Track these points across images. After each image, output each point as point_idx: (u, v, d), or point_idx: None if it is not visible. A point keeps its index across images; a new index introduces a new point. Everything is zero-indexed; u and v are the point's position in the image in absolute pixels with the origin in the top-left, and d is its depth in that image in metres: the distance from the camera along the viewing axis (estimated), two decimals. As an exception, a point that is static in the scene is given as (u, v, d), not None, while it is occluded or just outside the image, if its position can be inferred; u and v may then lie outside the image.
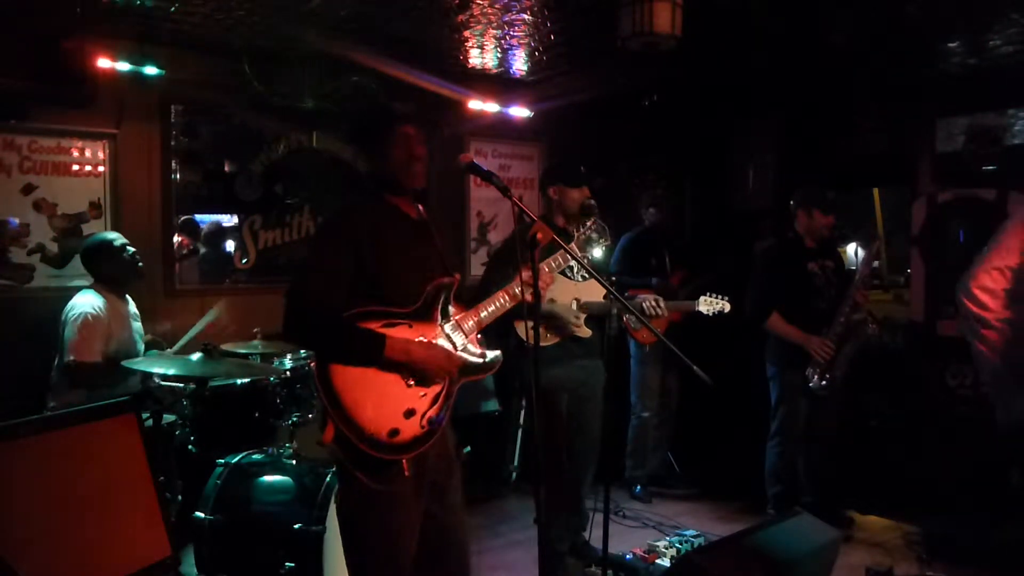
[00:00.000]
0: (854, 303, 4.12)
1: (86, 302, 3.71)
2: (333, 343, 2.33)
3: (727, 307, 3.87)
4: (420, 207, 2.59)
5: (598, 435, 3.74)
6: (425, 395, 2.38)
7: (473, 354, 2.52)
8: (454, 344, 2.49)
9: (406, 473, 2.33)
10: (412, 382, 2.35)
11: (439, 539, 2.49)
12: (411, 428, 2.34)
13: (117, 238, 3.90)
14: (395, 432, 2.29)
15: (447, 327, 2.48)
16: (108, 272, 3.85)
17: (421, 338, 2.39)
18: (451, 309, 2.51)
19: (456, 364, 2.44)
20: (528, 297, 2.41)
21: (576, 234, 2.83)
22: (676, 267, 5.00)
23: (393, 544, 2.36)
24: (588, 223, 2.84)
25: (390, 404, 2.32)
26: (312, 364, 3.55)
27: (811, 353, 4.06)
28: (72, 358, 3.61)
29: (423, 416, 2.36)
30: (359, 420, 2.26)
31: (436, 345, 2.41)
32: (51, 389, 3.73)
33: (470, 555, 2.58)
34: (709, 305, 3.88)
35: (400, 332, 2.36)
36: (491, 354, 2.56)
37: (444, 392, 2.43)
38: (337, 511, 2.45)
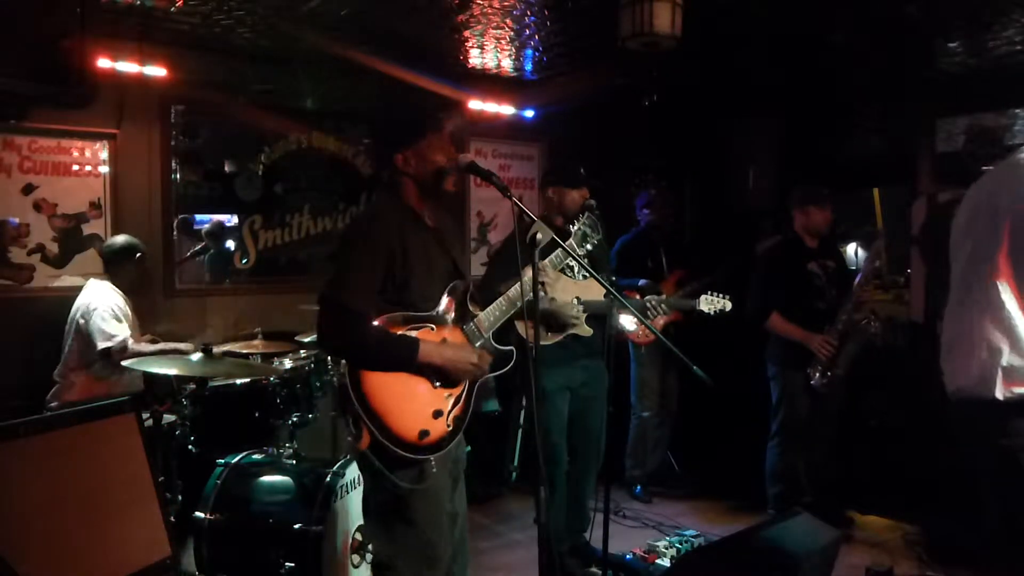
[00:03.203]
0: (856, 302, 4.12)
1: (108, 297, 3.80)
2: (370, 350, 2.34)
3: (728, 306, 3.86)
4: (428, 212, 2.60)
5: (601, 436, 3.74)
6: (450, 395, 2.45)
7: (494, 352, 2.58)
8: (475, 344, 2.54)
9: (434, 471, 2.40)
10: (438, 383, 2.41)
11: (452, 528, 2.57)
12: (439, 428, 2.41)
13: (147, 250, 4.05)
14: (425, 433, 2.36)
15: (466, 328, 2.53)
16: (127, 275, 3.95)
17: (446, 339, 2.45)
18: (469, 310, 2.56)
19: (485, 363, 2.49)
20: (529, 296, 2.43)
21: (572, 230, 2.84)
22: (673, 268, 4.99)
23: (437, 536, 2.43)
24: (582, 218, 2.85)
25: (419, 406, 2.38)
26: (314, 366, 3.57)
27: (813, 351, 4.06)
28: (110, 344, 3.68)
29: (449, 415, 2.43)
30: (392, 424, 2.32)
31: (466, 346, 2.48)
32: (56, 387, 3.74)
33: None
34: (710, 304, 3.86)
35: (424, 335, 2.41)
36: (508, 350, 2.61)
37: (466, 391, 2.50)
38: (370, 513, 2.53)
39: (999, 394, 2.38)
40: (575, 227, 2.83)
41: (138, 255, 3.98)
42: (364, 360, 2.32)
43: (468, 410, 2.51)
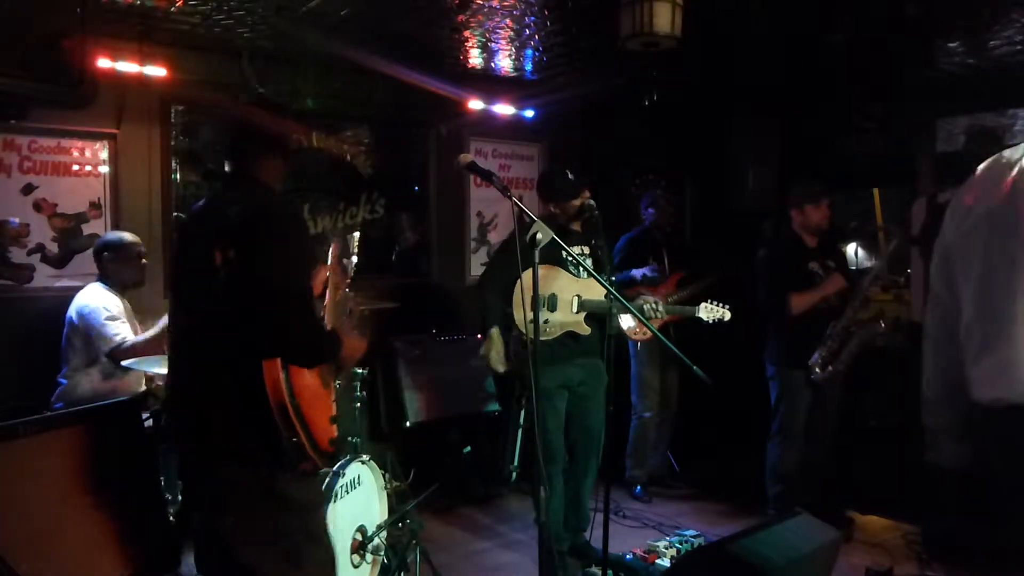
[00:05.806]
0: (863, 299, 4.12)
1: (99, 299, 3.74)
2: (335, 353, 2.21)
3: (727, 315, 3.90)
4: None
5: (600, 434, 3.74)
6: (333, 398, 2.34)
7: None
8: None
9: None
10: (338, 382, 2.33)
11: None
12: (335, 433, 2.27)
13: (137, 243, 3.91)
14: (334, 441, 2.23)
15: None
16: (117, 273, 3.85)
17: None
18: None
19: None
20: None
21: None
22: (674, 269, 5.00)
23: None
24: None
25: (327, 412, 2.26)
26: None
27: (829, 288, 4.07)
28: (114, 345, 3.63)
29: (335, 417, 2.32)
30: (316, 435, 2.13)
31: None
32: (61, 388, 3.74)
33: None
34: (709, 312, 3.90)
35: None
36: None
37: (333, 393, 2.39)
38: (282, 526, 2.18)
39: None
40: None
41: (132, 251, 3.86)
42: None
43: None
